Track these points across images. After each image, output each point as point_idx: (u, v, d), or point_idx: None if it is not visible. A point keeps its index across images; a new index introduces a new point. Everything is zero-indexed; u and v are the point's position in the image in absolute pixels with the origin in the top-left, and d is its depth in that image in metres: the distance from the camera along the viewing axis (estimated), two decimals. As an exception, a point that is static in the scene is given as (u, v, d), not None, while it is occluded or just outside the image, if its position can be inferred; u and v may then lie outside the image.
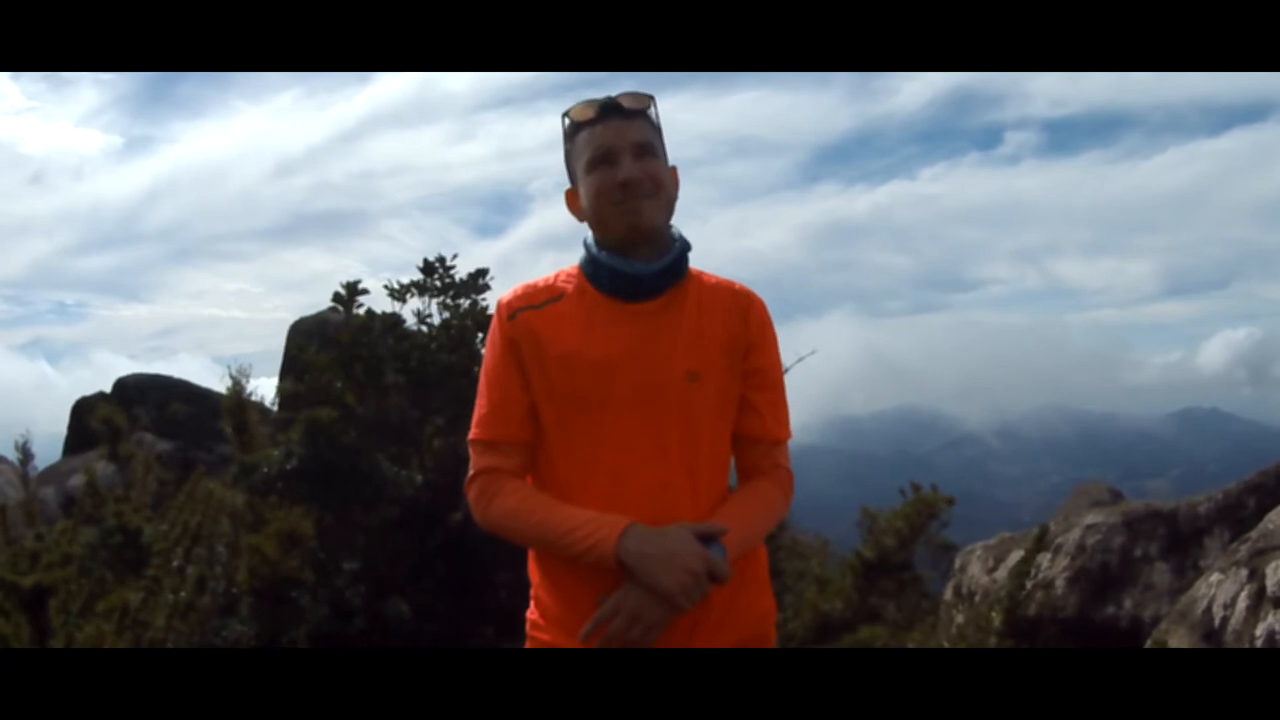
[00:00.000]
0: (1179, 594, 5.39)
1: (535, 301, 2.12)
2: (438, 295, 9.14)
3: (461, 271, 9.12)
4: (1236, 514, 5.77)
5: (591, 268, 2.12)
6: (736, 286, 2.20)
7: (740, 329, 2.15)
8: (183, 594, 6.59)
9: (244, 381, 9.71)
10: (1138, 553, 5.96)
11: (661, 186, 2.10)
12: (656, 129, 2.16)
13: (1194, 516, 5.95)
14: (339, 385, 8.54)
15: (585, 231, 2.19)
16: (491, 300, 9.31)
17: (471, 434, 2.15)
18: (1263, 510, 5.21)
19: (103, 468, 12.49)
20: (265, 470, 7.91)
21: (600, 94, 2.17)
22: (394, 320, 8.93)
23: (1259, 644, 4.03)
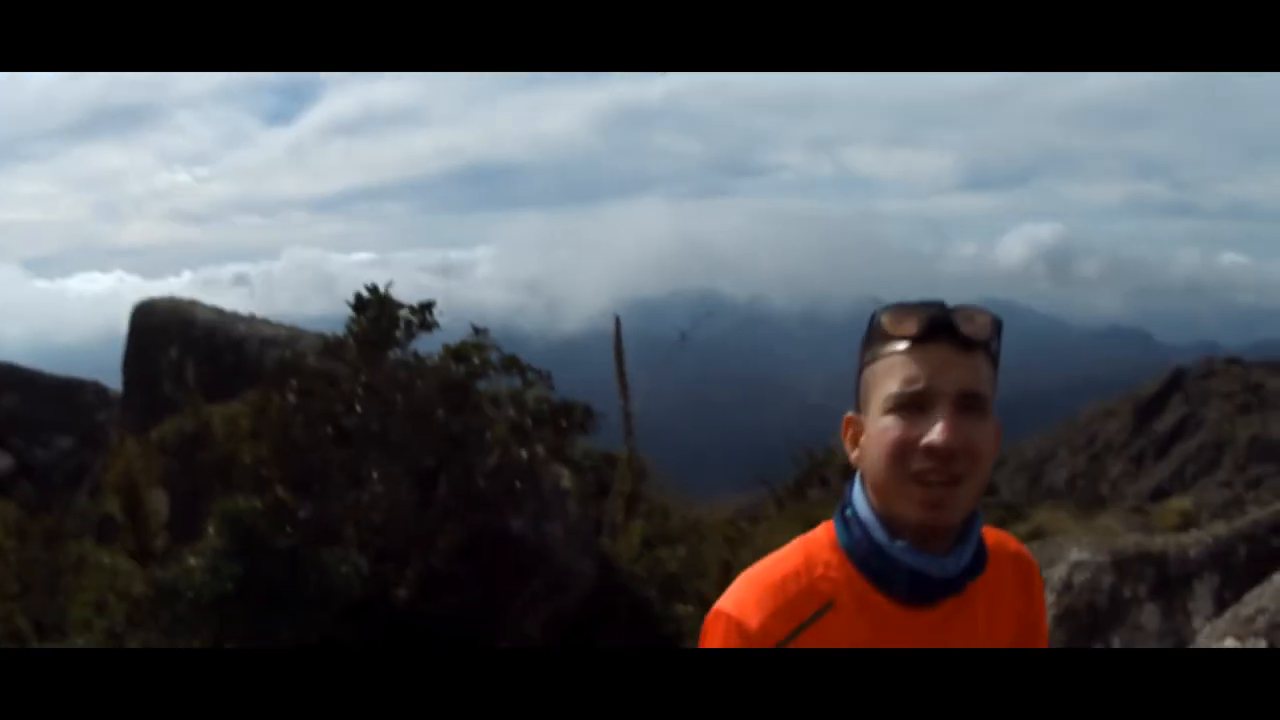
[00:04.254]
0: (1168, 635, 5.88)
1: (802, 618, 1.61)
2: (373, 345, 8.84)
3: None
4: (1226, 560, 6.08)
5: (879, 562, 1.62)
6: (1012, 547, 1.82)
7: (1026, 609, 1.80)
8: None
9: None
10: (1126, 593, 6.26)
11: (981, 464, 1.58)
12: (994, 366, 1.64)
13: (1184, 560, 6.24)
14: (259, 468, 8.03)
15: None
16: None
17: None
18: (1254, 560, 5.71)
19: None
20: (190, 595, 7.07)
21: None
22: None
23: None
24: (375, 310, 9.04)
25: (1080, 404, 52.85)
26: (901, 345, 1.60)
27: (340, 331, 9.44)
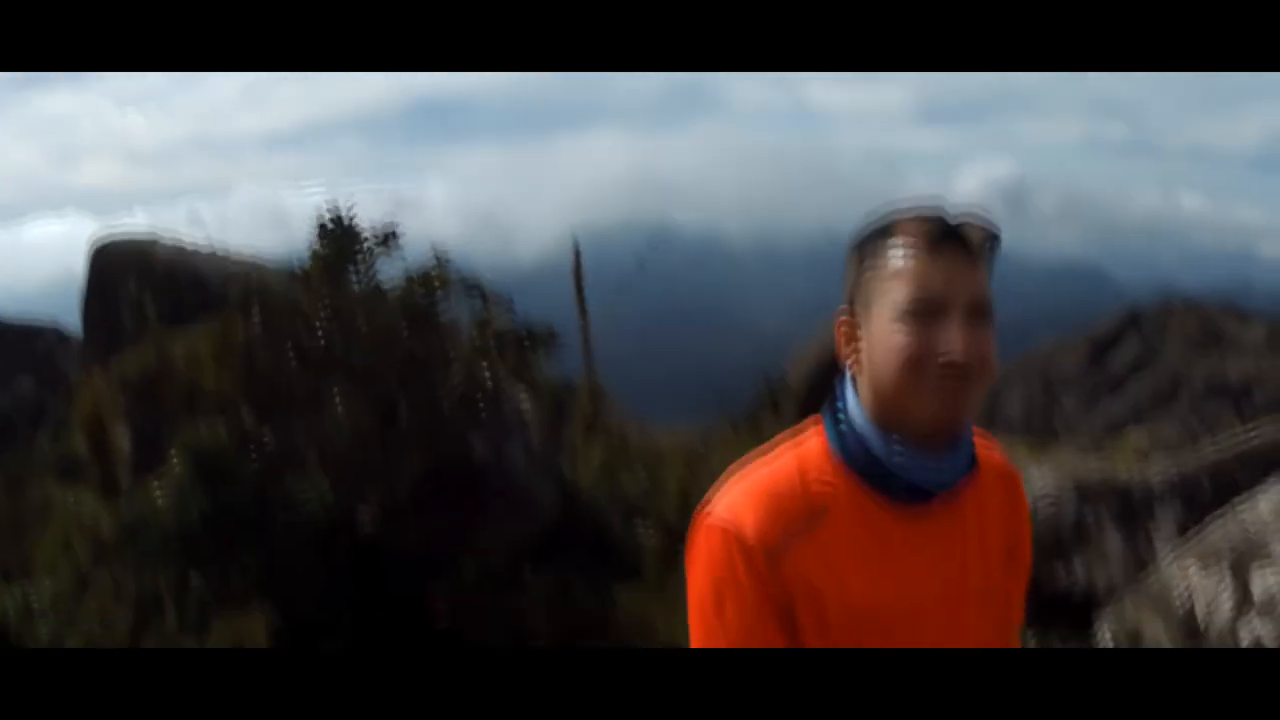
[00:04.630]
0: (1131, 561, 5.99)
1: (796, 527, 1.61)
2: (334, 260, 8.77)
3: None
4: (1190, 490, 6.22)
5: (876, 468, 1.63)
6: (996, 458, 1.83)
7: (1013, 519, 1.82)
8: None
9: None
10: (1089, 519, 6.34)
11: (990, 371, 1.60)
12: (990, 274, 1.67)
13: (1147, 489, 6.34)
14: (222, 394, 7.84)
15: None
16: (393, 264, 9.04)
17: None
18: (1217, 490, 5.79)
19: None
20: (156, 530, 7.00)
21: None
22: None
23: (1244, 646, 4.54)
24: (337, 232, 8.94)
25: (1035, 340, 52.93)
26: (912, 251, 1.61)
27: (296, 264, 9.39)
